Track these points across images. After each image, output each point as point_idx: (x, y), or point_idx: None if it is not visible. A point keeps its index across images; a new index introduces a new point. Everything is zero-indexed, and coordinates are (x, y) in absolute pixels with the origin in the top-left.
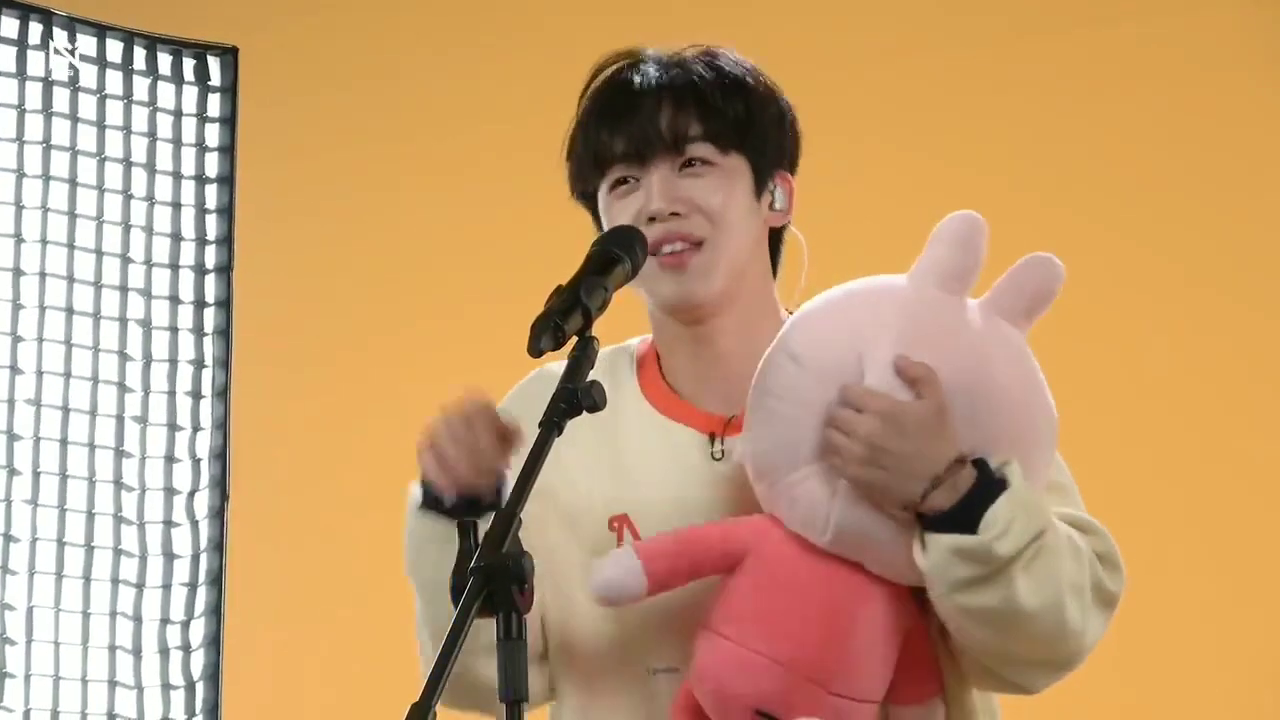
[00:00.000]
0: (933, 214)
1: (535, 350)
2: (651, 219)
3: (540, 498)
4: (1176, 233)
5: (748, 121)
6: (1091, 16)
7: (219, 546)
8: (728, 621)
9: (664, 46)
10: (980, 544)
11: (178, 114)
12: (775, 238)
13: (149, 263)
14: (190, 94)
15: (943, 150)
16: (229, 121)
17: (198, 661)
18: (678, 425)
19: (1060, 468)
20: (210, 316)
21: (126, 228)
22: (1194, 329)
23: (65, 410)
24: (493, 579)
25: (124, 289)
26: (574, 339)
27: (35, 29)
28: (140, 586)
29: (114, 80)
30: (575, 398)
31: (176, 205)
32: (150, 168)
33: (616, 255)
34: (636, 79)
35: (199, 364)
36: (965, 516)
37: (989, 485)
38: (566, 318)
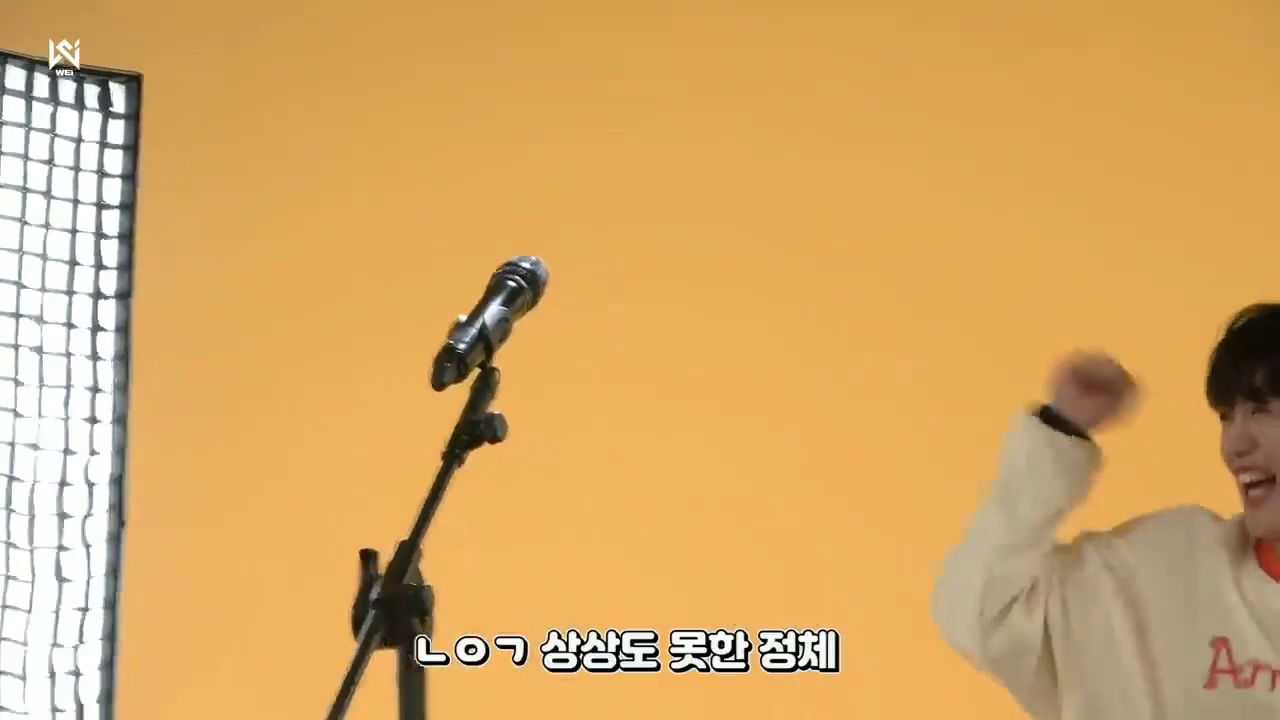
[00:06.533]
0: (918, 230)
1: (438, 384)
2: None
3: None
4: (1162, 253)
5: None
6: (1072, 38)
7: (115, 571)
8: None
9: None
10: None
11: (78, 140)
12: None
13: (44, 289)
14: (92, 120)
15: (926, 170)
16: (131, 149)
17: (89, 686)
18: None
19: None
20: (110, 342)
21: (21, 255)
22: (1178, 349)
23: None
24: (393, 611)
25: (17, 315)
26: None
27: None
28: (29, 612)
29: (13, 106)
30: (478, 429)
31: (73, 231)
32: (48, 194)
33: (518, 285)
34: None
35: (94, 389)
36: None
37: None
38: (470, 350)
